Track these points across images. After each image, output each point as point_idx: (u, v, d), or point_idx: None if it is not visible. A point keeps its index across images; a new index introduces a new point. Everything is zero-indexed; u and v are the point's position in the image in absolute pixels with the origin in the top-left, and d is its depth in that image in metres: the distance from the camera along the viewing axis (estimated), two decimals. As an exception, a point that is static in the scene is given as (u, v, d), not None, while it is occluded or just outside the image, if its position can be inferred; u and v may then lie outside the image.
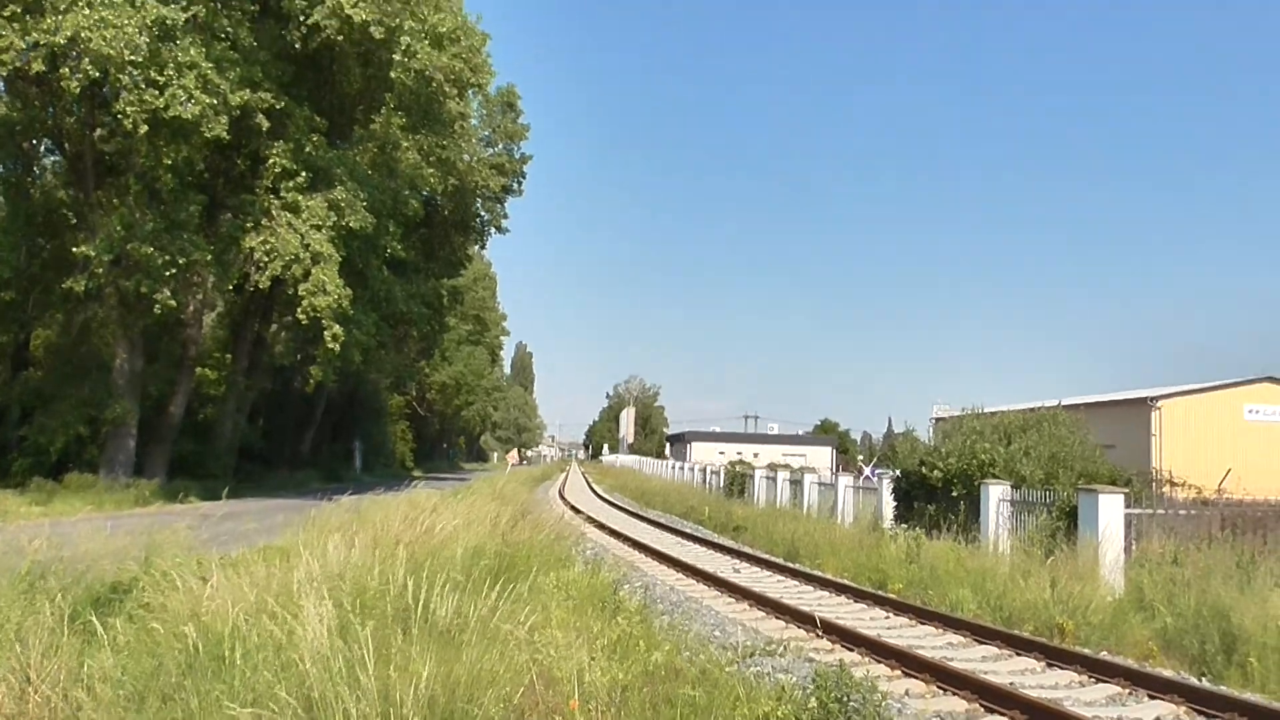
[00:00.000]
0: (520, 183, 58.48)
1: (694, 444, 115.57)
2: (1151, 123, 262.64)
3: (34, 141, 34.73)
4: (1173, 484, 24.02)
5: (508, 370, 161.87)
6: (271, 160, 32.88)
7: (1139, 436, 47.78)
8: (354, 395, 63.15)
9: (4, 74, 28.62)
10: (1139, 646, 13.11)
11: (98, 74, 27.41)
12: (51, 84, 29.24)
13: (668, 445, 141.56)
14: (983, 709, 9.89)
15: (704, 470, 52.99)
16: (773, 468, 41.10)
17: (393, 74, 35.11)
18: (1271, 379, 51.28)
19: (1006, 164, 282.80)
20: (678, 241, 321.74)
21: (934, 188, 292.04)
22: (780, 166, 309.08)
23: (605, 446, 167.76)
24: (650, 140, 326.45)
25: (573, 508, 39.03)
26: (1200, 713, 9.96)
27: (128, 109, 27.74)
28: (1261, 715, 9.62)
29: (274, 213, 32.74)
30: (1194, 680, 11.60)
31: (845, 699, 7.02)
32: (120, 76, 27.61)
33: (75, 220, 33.12)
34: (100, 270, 30.65)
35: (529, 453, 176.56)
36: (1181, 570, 15.19)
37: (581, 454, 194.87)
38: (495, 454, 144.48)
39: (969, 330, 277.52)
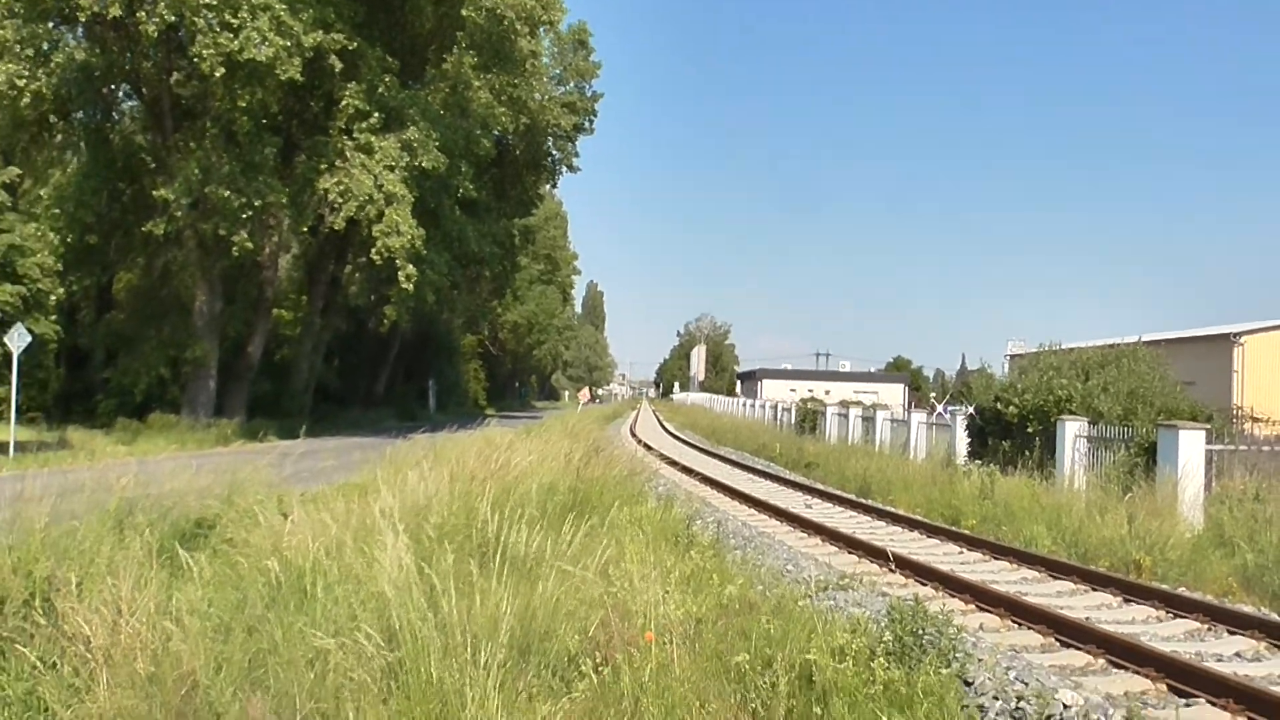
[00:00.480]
0: (592, 121, 58.18)
1: (765, 381, 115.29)
2: (1224, 50, 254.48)
3: (113, 87, 35.19)
4: (1255, 420, 23.58)
5: (579, 309, 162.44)
6: (345, 101, 33.06)
7: (1221, 373, 46.77)
8: (427, 335, 63.72)
9: (83, 19, 29.00)
10: (1218, 583, 12.94)
11: (174, 18, 27.71)
12: (129, 29, 29.61)
13: (738, 383, 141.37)
14: (1058, 643, 9.84)
15: (775, 407, 52.90)
16: (844, 404, 40.96)
17: (464, 12, 35.11)
18: (1359, 313, 49.88)
19: (1082, 93, 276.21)
20: (749, 179, 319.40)
21: (1009, 118, 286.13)
22: (851, 98, 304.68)
23: (676, 385, 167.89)
24: (722, 78, 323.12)
25: (644, 445, 39.23)
26: (1281, 649, 9.83)
27: (204, 52, 28.05)
28: (1345, 652, 9.47)
29: (348, 154, 32.98)
30: (1275, 616, 11.43)
31: (920, 632, 7.02)
32: (195, 20, 27.89)
33: (154, 164, 33.60)
34: (179, 213, 31.15)
35: (600, 391, 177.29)
36: (1264, 507, 14.94)
37: (652, 392, 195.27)
38: (566, 393, 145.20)
39: (1046, 266, 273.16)
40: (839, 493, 23.73)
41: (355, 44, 32.58)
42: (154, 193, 31.16)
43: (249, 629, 6.52)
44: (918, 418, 30.76)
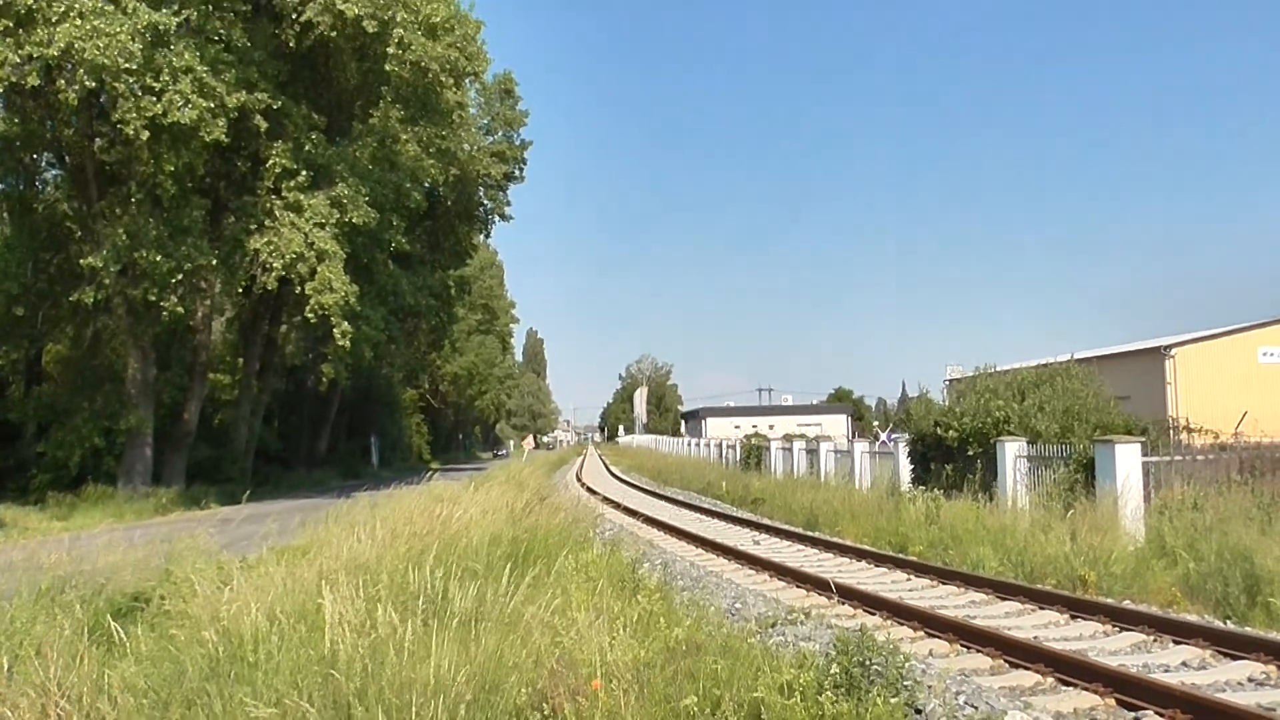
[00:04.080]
0: (522, 169, 58.30)
1: (709, 420, 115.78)
2: (1153, 71, 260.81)
3: (34, 155, 34.65)
4: (1189, 430, 23.96)
5: (519, 358, 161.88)
6: (272, 160, 32.82)
7: (1154, 386, 47.63)
8: (367, 391, 63.25)
9: (0, 89, 28.64)
10: (1162, 594, 13.09)
11: (94, 84, 27.38)
12: (48, 97, 29.22)
13: (683, 423, 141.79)
14: (1008, 664, 9.89)
15: (720, 445, 53.04)
16: (788, 438, 41.07)
17: (388, 67, 35.02)
18: (1284, 320, 51.00)
19: (1008, 117, 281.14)
20: (682, 219, 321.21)
21: (936, 150, 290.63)
22: (780, 139, 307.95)
23: (621, 428, 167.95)
24: (650, 119, 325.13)
25: (590, 490, 39.10)
26: (1226, 654, 9.96)
27: (127, 117, 27.72)
28: (1287, 655, 9.61)
29: (277, 213, 32.70)
30: (1218, 623, 11.60)
31: (867, 662, 7.02)
32: (116, 85, 27.58)
33: (80, 232, 33.07)
34: (108, 281, 30.68)
35: (545, 438, 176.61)
36: (1202, 515, 15.19)
37: (598, 436, 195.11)
38: (512, 441, 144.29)
39: (980, 291, 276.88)
40: (786, 526, 23.77)
41: (280, 103, 32.39)
42: (81, 261, 30.66)
43: (187, 703, 6.39)
44: (861, 447, 30.95)
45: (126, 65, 27.10)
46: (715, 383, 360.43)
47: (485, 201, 57.55)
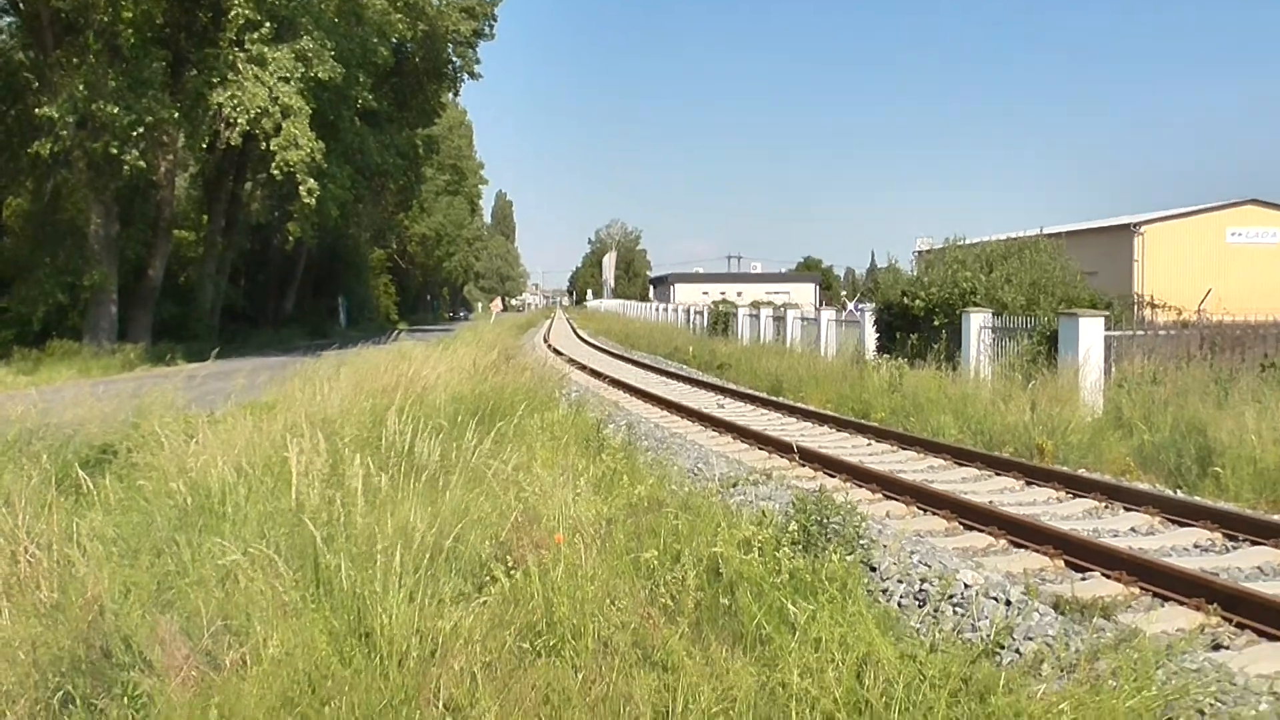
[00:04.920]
0: (491, 26, 56.80)
1: (677, 286, 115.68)
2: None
3: (-13, 2, 33.72)
4: (1154, 307, 24.23)
5: (488, 219, 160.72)
6: (234, 11, 31.81)
7: (1122, 263, 47.87)
8: (334, 251, 62.66)
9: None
10: (1117, 463, 13.35)
11: (47, -73, 26.49)
12: (-1, -59, 28.27)
13: (651, 288, 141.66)
14: (962, 527, 10.13)
15: (688, 311, 53.14)
16: (756, 305, 41.21)
17: (355, -86, 34.03)
18: (1255, 201, 51.14)
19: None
20: (653, 80, 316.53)
21: (910, 16, 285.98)
22: (762, 5, 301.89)
23: (589, 292, 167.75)
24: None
25: (557, 352, 39.27)
26: (1174, 521, 10.21)
27: (80, -39, 26.88)
28: (1231, 521, 9.87)
29: (240, 66, 31.90)
30: (1169, 492, 11.86)
31: (825, 521, 7.18)
32: (70, -72, 26.68)
33: (37, 83, 32.29)
34: (65, 133, 30.05)
35: (514, 301, 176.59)
36: (1160, 389, 15.41)
37: (566, 300, 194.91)
38: (480, 304, 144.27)
39: (953, 161, 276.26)
40: (751, 392, 23.98)
41: (242, -51, 31.41)
42: (37, 111, 29.98)
43: (156, 551, 6.47)
44: (828, 315, 31.11)
45: (82, -92, 26.19)
46: (685, 249, 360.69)
47: (454, 59, 56.23)
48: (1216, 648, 6.78)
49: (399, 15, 41.87)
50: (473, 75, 57.54)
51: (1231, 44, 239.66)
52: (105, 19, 29.87)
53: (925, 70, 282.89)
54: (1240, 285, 39.95)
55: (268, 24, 31.95)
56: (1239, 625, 7.12)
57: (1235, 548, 9.35)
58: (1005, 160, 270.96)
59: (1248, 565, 8.77)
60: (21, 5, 32.61)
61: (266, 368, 23.15)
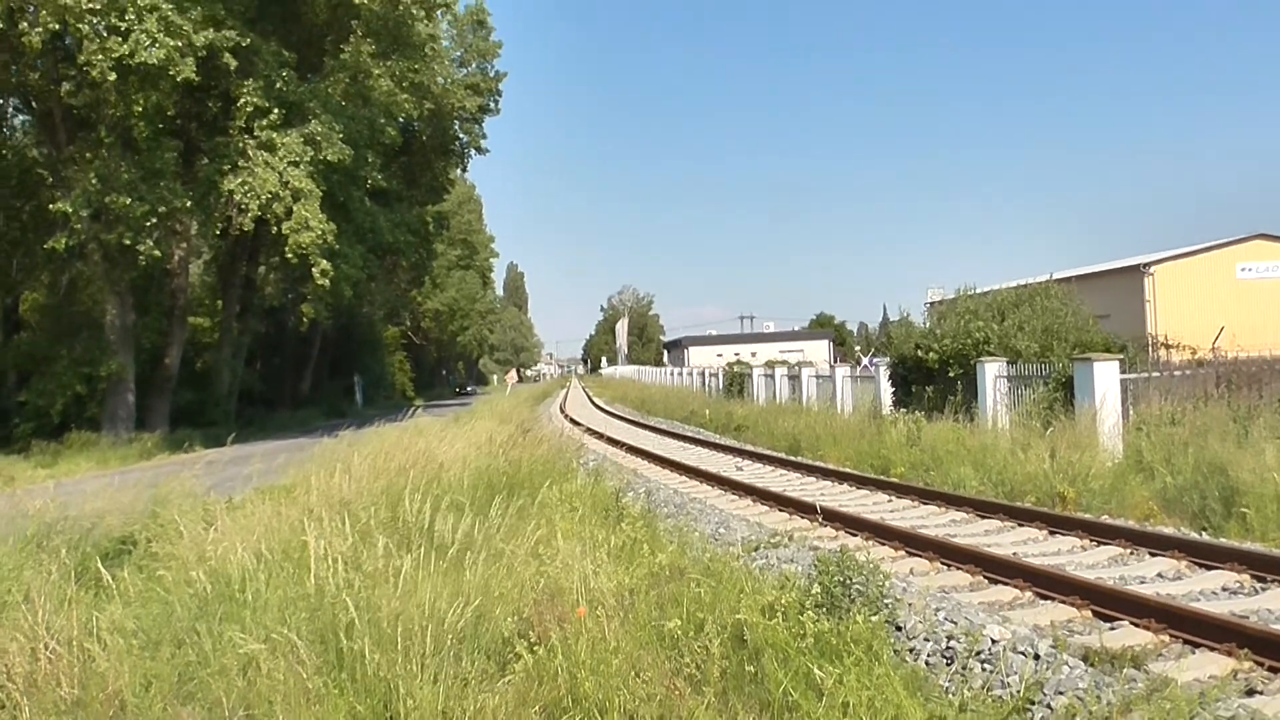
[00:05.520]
0: (497, 101, 57.65)
1: (691, 349, 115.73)
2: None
3: (1, 101, 34.24)
4: (1168, 347, 24.13)
5: (500, 292, 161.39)
6: (243, 99, 32.34)
7: (1133, 304, 47.89)
8: (349, 330, 63.06)
9: (-39, 35, 28.17)
10: (1140, 508, 13.25)
11: (57, 25, 26.97)
12: (12, 40, 28.74)
13: (665, 353, 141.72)
14: (987, 580, 10.04)
15: (702, 374, 53.14)
16: (770, 365, 41.21)
17: (357, 0, 34.54)
18: (1263, 236, 51.20)
19: (988, 37, 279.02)
20: (661, 148, 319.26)
21: (919, 75, 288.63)
22: (764, 62, 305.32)
23: (604, 360, 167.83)
24: (626, 43, 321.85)
25: (573, 421, 39.22)
26: (1201, 565, 10.11)
27: (93, 59, 27.33)
28: (1259, 562, 9.77)
29: (250, 152, 32.32)
30: (1194, 535, 11.76)
31: (849, 581, 7.12)
32: (80, 26, 27.17)
33: (51, 178, 32.76)
34: (80, 226, 30.40)
35: (528, 372, 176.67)
36: (1179, 430, 15.33)
37: (581, 369, 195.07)
38: (495, 376, 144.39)
39: (961, 213, 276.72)
40: (769, 452, 23.93)
41: (249, 40, 31.86)
42: (51, 206, 30.38)
43: (177, 642, 6.44)
44: (842, 372, 31.09)
45: (90, 5, 26.70)
46: (697, 312, 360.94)
47: (461, 135, 56.98)
48: (1250, 693, 6.68)
49: (405, 95, 42.40)
50: (479, 150, 58.32)
51: (1226, 73, 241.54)
52: (117, 113, 30.32)
53: (929, 122, 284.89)
54: (1253, 320, 39.83)
55: (276, 110, 32.41)
56: (1271, 669, 7.02)
57: (1265, 589, 9.24)
58: (1012, 208, 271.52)
59: (1279, 607, 8.66)
60: (34, 103, 33.18)
61: (284, 450, 23.19)
